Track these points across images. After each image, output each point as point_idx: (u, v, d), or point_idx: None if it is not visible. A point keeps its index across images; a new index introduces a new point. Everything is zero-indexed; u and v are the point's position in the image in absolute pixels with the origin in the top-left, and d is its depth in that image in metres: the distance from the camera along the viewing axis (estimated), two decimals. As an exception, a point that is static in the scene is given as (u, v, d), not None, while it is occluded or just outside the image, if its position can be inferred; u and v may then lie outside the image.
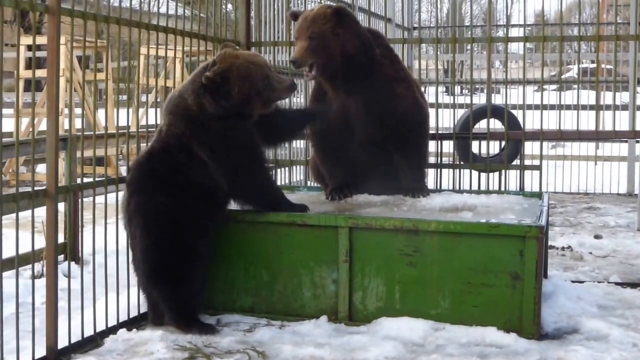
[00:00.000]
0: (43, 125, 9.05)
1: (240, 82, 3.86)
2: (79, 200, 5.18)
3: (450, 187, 5.29)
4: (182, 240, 3.84)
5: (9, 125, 8.14)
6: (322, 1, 7.65)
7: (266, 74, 3.97)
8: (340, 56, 4.50)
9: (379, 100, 4.60)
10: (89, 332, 3.77)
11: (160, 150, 3.94)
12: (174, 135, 3.92)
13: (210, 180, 3.92)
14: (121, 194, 4.05)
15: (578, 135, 5.62)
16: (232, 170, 3.94)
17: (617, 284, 5.00)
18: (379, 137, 4.65)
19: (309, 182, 5.93)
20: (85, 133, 4.51)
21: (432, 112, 5.18)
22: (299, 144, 6.19)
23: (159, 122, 4.20)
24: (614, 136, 5.82)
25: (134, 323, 4.08)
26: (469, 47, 11.62)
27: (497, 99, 13.85)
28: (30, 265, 4.84)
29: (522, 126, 5.69)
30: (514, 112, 8.47)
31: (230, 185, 3.97)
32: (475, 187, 5.50)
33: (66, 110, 9.84)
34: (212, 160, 3.90)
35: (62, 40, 4.48)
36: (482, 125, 6.87)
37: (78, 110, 11.39)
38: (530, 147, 6.88)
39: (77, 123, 10.35)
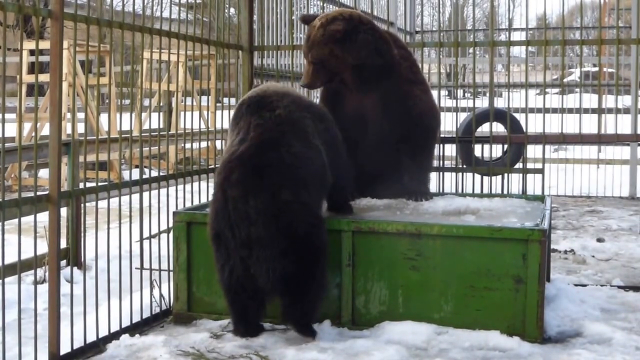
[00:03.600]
0: (45, 130, 9.06)
1: None
2: (82, 205, 5.17)
3: (453, 191, 5.29)
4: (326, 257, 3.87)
5: (11, 130, 8.16)
6: (325, 5, 7.63)
7: None
8: (348, 68, 4.52)
9: (397, 100, 4.60)
10: (91, 337, 3.77)
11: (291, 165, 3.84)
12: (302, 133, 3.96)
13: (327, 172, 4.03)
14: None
15: (580, 139, 5.61)
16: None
17: (620, 287, 5.00)
18: (392, 137, 4.63)
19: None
20: (87, 138, 4.50)
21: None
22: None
23: (164, 124, 4.19)
24: (616, 139, 5.81)
25: (136, 328, 4.08)
26: (471, 50, 11.66)
27: (500, 103, 13.84)
28: (32, 271, 4.83)
29: (524, 129, 5.68)
30: (516, 115, 8.46)
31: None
32: (477, 190, 5.50)
33: (69, 115, 9.86)
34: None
35: (65, 44, 4.50)
36: (484, 128, 6.87)
37: (81, 115, 11.40)
38: (533, 151, 6.88)
39: (80, 128, 10.35)
